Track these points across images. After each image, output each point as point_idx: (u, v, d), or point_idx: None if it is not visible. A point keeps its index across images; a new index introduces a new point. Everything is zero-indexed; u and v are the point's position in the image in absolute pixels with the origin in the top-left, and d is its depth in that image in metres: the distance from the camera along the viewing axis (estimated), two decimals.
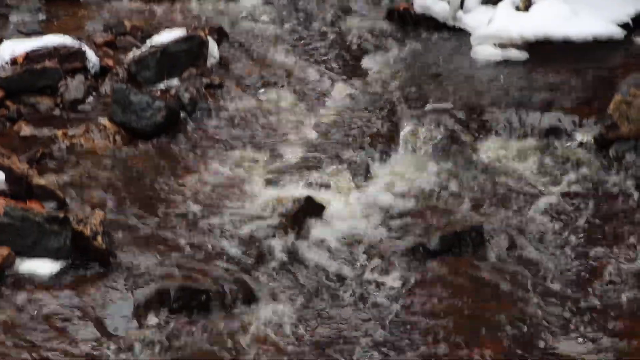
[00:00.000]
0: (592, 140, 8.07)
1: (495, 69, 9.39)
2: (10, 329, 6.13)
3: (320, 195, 7.59)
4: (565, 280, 6.63)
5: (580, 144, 8.10)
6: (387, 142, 8.28)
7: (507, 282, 6.59)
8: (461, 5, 10.33)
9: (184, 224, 7.33)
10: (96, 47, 9.78)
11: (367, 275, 6.78)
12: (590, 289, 6.53)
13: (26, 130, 8.49)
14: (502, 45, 9.63)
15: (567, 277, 6.67)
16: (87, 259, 6.79)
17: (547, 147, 8.12)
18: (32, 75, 9.02)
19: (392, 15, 10.97)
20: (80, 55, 9.33)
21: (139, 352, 6.04)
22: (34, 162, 7.88)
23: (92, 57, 9.40)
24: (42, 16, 11.01)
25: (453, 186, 7.71)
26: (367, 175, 7.93)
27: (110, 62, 9.54)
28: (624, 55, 9.42)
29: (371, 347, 6.11)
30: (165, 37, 9.54)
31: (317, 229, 7.26)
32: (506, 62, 9.49)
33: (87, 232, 6.82)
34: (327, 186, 7.77)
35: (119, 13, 11.15)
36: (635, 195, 7.47)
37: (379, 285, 6.69)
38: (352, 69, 9.75)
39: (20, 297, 6.42)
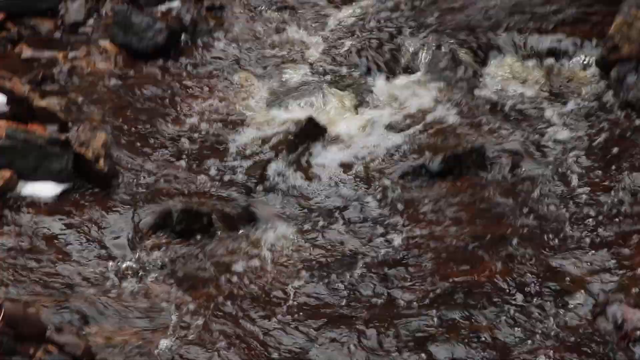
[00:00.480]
0: (594, 61, 7.89)
1: None
2: (13, 251, 6.05)
3: (322, 117, 7.44)
4: (566, 199, 6.53)
5: (582, 66, 7.92)
6: (389, 64, 8.10)
7: (509, 202, 6.49)
8: None
9: (186, 147, 7.20)
10: None
11: (368, 197, 6.68)
12: (591, 207, 6.43)
13: (27, 52, 8.31)
14: None
15: (568, 196, 6.56)
16: (89, 182, 6.69)
17: (549, 69, 7.94)
18: None
19: None
20: None
21: (141, 274, 5.96)
22: (35, 84, 7.72)
23: None
24: None
25: (454, 108, 7.56)
26: (369, 97, 7.77)
27: None
28: None
29: (372, 267, 6.03)
30: None
31: (318, 151, 7.14)
32: None
33: (89, 155, 6.70)
34: (329, 108, 7.62)
35: None
36: (636, 116, 7.32)
37: (380, 206, 6.58)
38: None
39: (23, 219, 6.33)
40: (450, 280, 5.87)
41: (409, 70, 8.05)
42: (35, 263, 5.97)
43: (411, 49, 8.17)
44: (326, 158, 7.08)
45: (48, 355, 5.10)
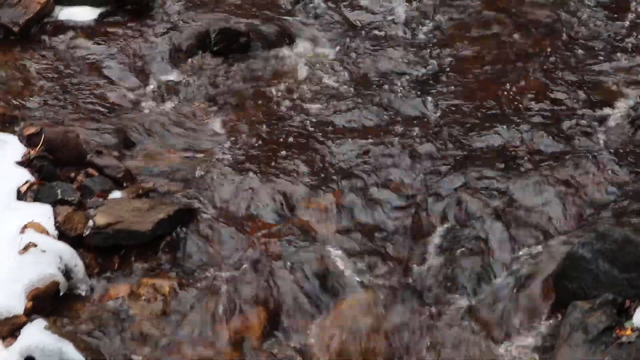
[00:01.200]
0: None
1: None
2: (52, 75, 5.85)
3: None
4: (604, 12, 6.20)
5: None
6: None
7: (547, 18, 6.20)
8: None
9: None
10: None
11: (406, 15, 6.37)
12: (629, 17, 6.10)
13: None
14: None
15: (607, 9, 6.23)
16: (127, 5, 6.42)
17: None
18: None
19: None
20: None
21: (180, 95, 5.77)
22: None
23: None
24: None
25: None
26: None
27: None
28: None
29: (412, 85, 5.76)
30: None
31: None
32: None
33: None
34: None
35: None
36: None
37: (417, 25, 6.29)
38: None
39: (61, 44, 6.12)
40: (490, 94, 5.61)
41: None
42: (74, 87, 5.77)
43: None
44: None
45: (89, 178, 4.96)
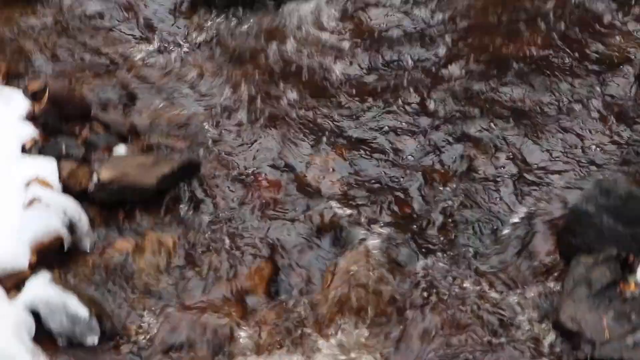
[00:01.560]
0: None
1: None
2: (56, 31, 5.78)
3: None
4: None
5: None
6: None
7: None
8: None
9: None
10: None
11: None
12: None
13: None
14: None
15: None
16: None
17: None
18: None
19: None
20: None
21: (184, 50, 5.69)
22: None
23: None
24: None
25: None
26: None
27: None
28: None
29: (421, 40, 5.65)
30: None
31: None
32: None
33: None
34: None
35: None
36: None
37: None
38: None
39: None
40: (499, 52, 5.50)
41: None
42: (78, 43, 5.70)
43: None
44: None
45: (94, 133, 4.92)
